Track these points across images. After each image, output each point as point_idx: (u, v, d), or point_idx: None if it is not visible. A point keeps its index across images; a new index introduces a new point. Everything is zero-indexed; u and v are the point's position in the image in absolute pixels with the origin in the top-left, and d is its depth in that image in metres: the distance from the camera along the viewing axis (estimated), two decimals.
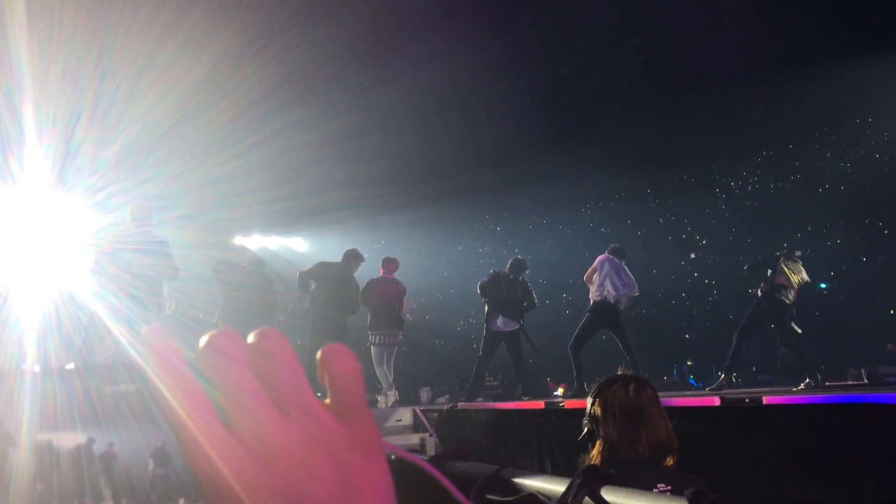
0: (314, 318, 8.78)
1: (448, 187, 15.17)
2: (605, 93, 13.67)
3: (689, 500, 1.45)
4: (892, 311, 14.47)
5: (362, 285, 9.18)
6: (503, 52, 11.97)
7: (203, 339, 0.41)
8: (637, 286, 8.71)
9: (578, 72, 13.35)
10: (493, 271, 9.27)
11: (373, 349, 9.12)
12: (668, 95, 13.93)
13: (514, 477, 2.36)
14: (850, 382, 10.27)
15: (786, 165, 16.16)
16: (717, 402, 4.04)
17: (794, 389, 7.10)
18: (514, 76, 12.47)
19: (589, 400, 2.60)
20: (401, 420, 7.18)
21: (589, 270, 8.76)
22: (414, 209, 15.30)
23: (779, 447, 3.62)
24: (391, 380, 9.01)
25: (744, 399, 3.94)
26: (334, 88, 11.79)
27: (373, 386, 9.59)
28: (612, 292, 8.45)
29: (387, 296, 9.27)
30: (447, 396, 11.27)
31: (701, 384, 13.09)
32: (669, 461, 2.45)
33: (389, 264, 9.52)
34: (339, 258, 9.17)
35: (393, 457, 0.46)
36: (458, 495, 0.47)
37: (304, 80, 11.48)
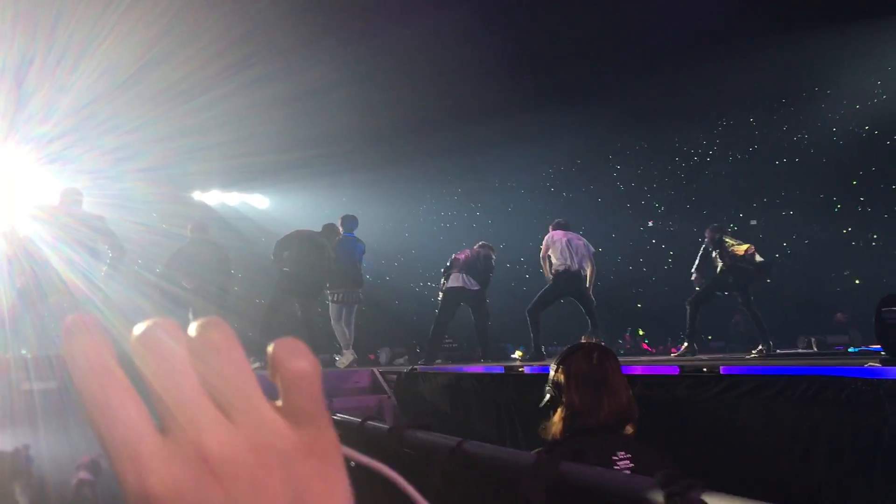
0: (283, 275, 8.59)
1: (411, 148, 15.03)
2: (567, 59, 13.57)
3: (661, 484, 1.44)
4: (837, 289, 14.80)
5: None
6: (469, 13, 11.79)
7: (137, 330, 0.35)
8: (591, 245, 8.86)
9: (541, 37, 13.24)
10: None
11: (331, 306, 9.06)
12: (629, 63, 13.89)
13: (477, 450, 2.35)
14: (800, 350, 10.59)
15: (745, 136, 16.35)
16: (676, 371, 4.13)
17: (747, 357, 7.31)
18: (478, 38, 12.28)
19: (553, 367, 2.63)
20: (359, 382, 7.17)
21: (542, 250, 8.87)
22: (377, 169, 15.16)
23: (734, 415, 3.70)
24: (350, 339, 8.96)
25: (701, 368, 4.05)
26: (300, 44, 11.50)
27: (331, 346, 9.55)
28: (575, 257, 8.55)
29: (350, 253, 9.20)
30: (406, 357, 11.30)
31: (653, 350, 13.35)
32: (629, 429, 2.50)
33: (349, 222, 9.41)
34: (299, 216, 9.05)
35: (353, 464, 0.41)
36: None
37: (269, 34, 11.19)
